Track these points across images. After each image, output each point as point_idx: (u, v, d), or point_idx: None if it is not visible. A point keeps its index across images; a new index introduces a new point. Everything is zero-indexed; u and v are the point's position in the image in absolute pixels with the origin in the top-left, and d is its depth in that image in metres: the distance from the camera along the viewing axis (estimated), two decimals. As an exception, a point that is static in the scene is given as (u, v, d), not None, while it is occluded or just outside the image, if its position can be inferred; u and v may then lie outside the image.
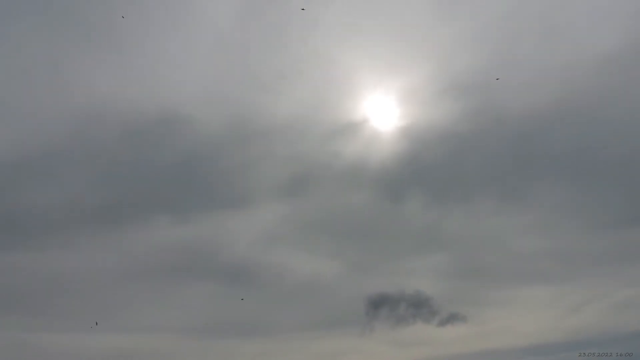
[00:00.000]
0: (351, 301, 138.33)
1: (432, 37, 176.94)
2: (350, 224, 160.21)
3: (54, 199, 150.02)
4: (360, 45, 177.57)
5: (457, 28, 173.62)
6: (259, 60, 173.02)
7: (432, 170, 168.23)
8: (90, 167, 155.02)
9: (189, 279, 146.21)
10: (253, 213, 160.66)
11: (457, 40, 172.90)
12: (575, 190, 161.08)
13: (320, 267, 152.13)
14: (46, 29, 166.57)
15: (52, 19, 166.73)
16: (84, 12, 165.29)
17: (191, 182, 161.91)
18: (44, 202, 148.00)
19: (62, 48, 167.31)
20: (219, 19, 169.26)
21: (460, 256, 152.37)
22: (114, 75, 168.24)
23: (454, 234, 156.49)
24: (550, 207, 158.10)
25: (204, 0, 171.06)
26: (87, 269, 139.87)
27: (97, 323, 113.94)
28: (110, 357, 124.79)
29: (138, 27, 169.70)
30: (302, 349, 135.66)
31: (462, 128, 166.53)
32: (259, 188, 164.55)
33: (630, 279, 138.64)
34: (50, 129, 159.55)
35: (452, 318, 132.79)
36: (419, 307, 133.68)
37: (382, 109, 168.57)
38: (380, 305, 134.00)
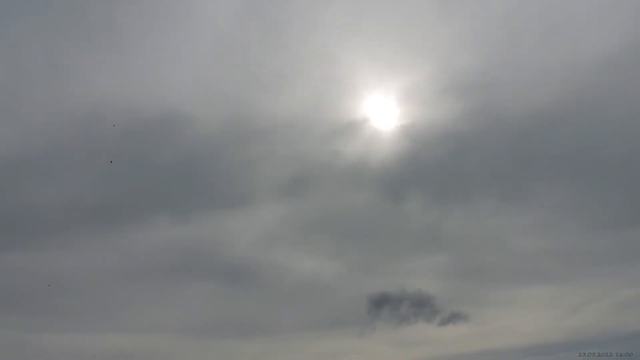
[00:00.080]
0: (351, 301, 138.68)
1: (432, 37, 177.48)
2: (351, 224, 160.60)
3: (54, 199, 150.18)
4: (360, 45, 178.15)
5: (457, 28, 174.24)
6: (259, 60, 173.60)
7: (433, 170, 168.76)
8: (90, 167, 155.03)
9: (189, 279, 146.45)
10: (253, 213, 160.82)
11: (457, 40, 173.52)
12: (575, 190, 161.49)
13: (320, 267, 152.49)
14: (46, 28, 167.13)
15: (52, 18, 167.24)
16: (84, 12, 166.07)
17: (191, 182, 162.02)
18: (44, 202, 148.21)
19: (62, 48, 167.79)
20: (219, 18, 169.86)
21: (460, 256, 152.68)
22: (113, 75, 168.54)
23: (454, 234, 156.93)
24: (550, 207, 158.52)
25: (204, 0, 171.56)
26: (87, 269, 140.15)
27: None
28: (110, 357, 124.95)
29: (138, 27, 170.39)
30: (302, 349, 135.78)
31: (463, 128, 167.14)
32: (259, 188, 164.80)
33: (630, 279, 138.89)
34: (50, 129, 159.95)
35: (454, 317, 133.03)
36: (421, 306, 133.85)
37: (383, 109, 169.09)
38: (383, 305, 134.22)
